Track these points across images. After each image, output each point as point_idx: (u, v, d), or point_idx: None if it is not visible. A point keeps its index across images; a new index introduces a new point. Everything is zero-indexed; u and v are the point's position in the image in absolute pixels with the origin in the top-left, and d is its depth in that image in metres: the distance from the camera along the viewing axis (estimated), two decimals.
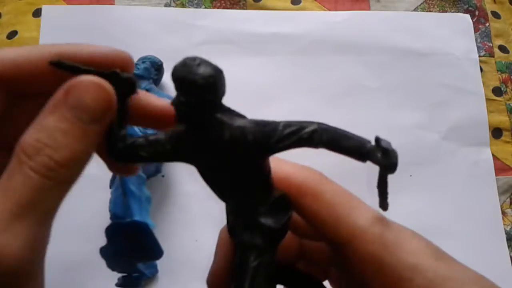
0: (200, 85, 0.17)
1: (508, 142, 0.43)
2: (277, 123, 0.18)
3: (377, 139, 0.18)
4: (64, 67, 0.17)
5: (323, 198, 0.19)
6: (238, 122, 0.18)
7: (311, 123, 0.18)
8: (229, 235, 0.20)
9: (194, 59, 0.17)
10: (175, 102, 0.17)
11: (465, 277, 0.17)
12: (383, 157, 0.18)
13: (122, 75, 0.18)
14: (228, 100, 0.39)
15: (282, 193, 0.19)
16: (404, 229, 0.18)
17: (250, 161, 0.18)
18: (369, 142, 0.18)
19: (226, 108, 0.18)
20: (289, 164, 0.20)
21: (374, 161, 0.18)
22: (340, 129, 0.18)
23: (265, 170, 0.19)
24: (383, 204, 0.19)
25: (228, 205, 0.20)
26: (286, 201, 0.19)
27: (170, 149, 0.19)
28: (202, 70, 0.17)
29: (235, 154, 0.18)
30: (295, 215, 0.19)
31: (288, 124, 0.18)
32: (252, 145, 0.18)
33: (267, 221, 0.19)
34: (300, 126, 0.18)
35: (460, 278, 0.16)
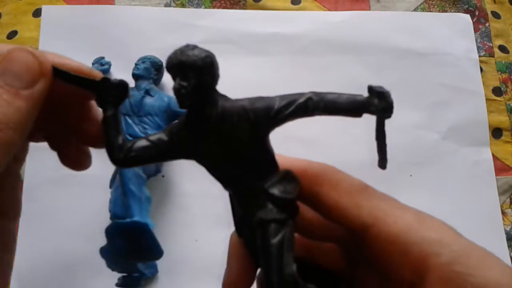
0: (199, 66, 0.18)
1: (508, 142, 0.43)
2: (273, 97, 0.19)
3: (370, 87, 0.20)
4: (60, 74, 0.18)
5: (341, 186, 0.19)
6: (237, 102, 0.19)
7: (304, 93, 0.19)
8: (237, 233, 0.20)
9: (187, 45, 0.18)
10: (176, 89, 0.17)
11: (483, 249, 0.17)
12: (380, 101, 0.19)
13: (114, 81, 0.18)
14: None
15: (287, 170, 0.19)
16: (420, 211, 0.19)
17: (254, 138, 0.18)
18: (361, 95, 0.19)
19: (221, 93, 0.19)
20: (303, 160, 0.20)
21: (371, 109, 0.19)
22: (331, 92, 0.19)
23: (269, 147, 0.19)
24: (382, 162, 0.19)
25: (236, 192, 0.20)
26: (293, 176, 0.19)
27: (174, 143, 0.19)
28: (198, 52, 0.18)
29: (239, 133, 0.18)
30: (305, 214, 0.20)
31: (283, 96, 0.19)
32: (254, 121, 0.18)
33: (279, 192, 0.19)
34: (295, 96, 0.19)
35: (481, 249, 0.17)
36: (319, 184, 0.19)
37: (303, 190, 0.19)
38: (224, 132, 0.18)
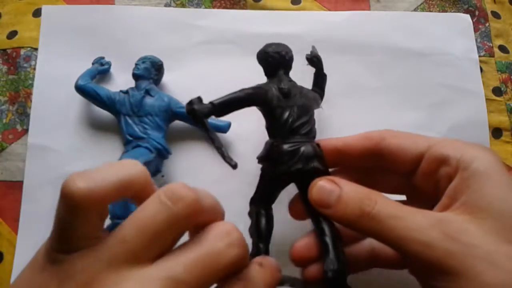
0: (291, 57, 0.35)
1: (508, 142, 0.43)
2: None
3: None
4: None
5: (400, 135, 0.28)
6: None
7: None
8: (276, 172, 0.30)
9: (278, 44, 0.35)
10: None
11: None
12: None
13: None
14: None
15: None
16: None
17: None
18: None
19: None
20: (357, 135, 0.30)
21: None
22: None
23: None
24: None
25: (283, 139, 0.30)
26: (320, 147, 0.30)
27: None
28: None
29: (306, 102, 0.32)
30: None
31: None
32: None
33: (317, 148, 0.30)
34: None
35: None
36: (383, 139, 0.28)
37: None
38: (299, 98, 0.32)
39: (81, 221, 0.19)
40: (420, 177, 0.27)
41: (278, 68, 0.33)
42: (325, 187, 0.25)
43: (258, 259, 0.23)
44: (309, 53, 0.38)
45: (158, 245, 0.19)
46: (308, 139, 0.31)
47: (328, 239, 0.26)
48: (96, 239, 0.19)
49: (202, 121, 0.29)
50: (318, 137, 0.40)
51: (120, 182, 0.19)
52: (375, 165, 0.29)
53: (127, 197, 0.21)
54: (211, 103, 0.29)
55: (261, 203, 0.32)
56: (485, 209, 0.22)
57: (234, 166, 0.29)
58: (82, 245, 0.19)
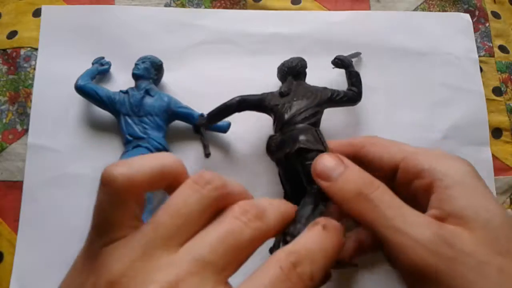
0: (302, 65, 0.39)
1: (508, 142, 0.43)
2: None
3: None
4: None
5: (379, 143, 0.28)
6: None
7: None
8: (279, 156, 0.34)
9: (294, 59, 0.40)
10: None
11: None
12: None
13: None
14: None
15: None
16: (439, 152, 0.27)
17: (322, 104, 0.37)
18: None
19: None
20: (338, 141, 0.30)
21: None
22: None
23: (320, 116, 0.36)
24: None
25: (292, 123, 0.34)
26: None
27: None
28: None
29: (306, 96, 0.36)
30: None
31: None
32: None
33: (314, 132, 0.33)
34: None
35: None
36: (364, 146, 0.28)
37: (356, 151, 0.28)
38: (309, 93, 0.37)
39: (121, 208, 0.19)
40: (397, 187, 0.26)
41: (287, 75, 0.39)
42: (331, 161, 0.25)
43: (321, 220, 0.21)
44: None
45: (190, 228, 0.19)
46: (304, 126, 0.33)
47: (308, 210, 0.27)
48: (133, 228, 0.19)
49: (198, 130, 0.38)
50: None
51: (158, 169, 0.20)
52: None
53: (163, 186, 0.21)
54: (203, 115, 0.38)
55: (290, 198, 0.34)
56: (472, 220, 0.21)
57: (207, 155, 0.38)
58: (120, 235, 0.19)
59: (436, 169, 0.24)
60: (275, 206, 0.21)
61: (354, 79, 0.39)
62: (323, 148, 0.31)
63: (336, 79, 0.43)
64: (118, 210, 0.19)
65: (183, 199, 0.19)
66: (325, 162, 0.25)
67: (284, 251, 0.19)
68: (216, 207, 0.20)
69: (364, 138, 0.29)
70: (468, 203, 0.22)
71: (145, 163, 0.20)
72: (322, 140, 0.32)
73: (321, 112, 0.36)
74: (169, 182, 0.21)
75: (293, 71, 0.39)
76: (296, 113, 0.34)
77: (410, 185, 0.25)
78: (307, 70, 0.39)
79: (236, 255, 0.19)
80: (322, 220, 0.21)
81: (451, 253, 0.20)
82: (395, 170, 0.26)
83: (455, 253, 0.20)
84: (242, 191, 0.22)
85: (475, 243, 0.20)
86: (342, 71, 0.41)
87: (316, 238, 0.20)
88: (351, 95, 0.39)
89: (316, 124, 0.35)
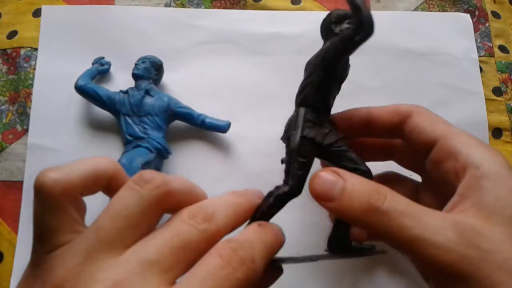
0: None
1: (508, 142, 0.43)
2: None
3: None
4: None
5: (425, 115, 0.28)
6: None
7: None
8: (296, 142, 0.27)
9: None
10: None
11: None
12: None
13: None
14: (228, 99, 0.40)
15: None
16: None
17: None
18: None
19: None
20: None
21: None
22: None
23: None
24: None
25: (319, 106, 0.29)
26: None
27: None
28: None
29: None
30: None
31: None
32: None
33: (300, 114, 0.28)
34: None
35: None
36: (410, 115, 0.28)
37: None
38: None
39: (57, 213, 0.19)
40: (429, 164, 0.26)
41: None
42: (327, 178, 0.23)
43: (257, 221, 0.22)
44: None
45: (133, 231, 0.19)
46: (297, 106, 0.29)
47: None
48: (75, 233, 0.19)
49: None
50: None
51: (89, 172, 0.20)
52: (398, 145, 0.30)
53: (100, 188, 0.21)
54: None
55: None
56: (499, 214, 0.21)
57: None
58: (62, 241, 0.19)
59: (474, 156, 0.23)
60: (225, 204, 0.21)
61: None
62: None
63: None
64: (54, 216, 0.19)
65: (123, 201, 0.19)
66: (321, 180, 0.23)
67: (222, 242, 0.19)
68: (159, 206, 0.20)
69: (411, 106, 0.28)
70: (497, 198, 0.21)
71: (77, 167, 0.20)
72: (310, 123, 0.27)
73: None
74: (106, 185, 0.21)
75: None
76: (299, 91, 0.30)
77: (441, 165, 0.25)
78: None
79: (184, 256, 0.18)
80: (257, 221, 0.22)
81: (477, 254, 0.20)
82: (432, 146, 0.26)
83: (481, 253, 0.20)
84: (188, 188, 0.21)
85: (498, 239, 0.20)
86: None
87: (253, 231, 0.21)
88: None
89: (301, 100, 0.29)
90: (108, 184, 0.22)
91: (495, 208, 0.21)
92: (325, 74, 0.28)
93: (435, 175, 0.26)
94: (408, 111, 0.28)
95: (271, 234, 0.21)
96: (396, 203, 0.21)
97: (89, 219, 0.21)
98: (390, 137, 0.29)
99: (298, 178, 0.25)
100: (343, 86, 0.43)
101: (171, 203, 0.20)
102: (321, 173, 0.23)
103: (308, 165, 0.25)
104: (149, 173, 0.20)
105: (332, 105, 0.30)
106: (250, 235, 0.20)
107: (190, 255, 0.19)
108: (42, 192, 0.19)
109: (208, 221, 0.19)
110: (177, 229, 0.19)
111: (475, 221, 0.21)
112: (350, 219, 0.22)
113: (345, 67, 0.31)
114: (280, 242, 0.22)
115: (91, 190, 0.21)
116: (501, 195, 0.21)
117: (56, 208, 0.19)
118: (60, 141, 0.40)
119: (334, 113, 0.29)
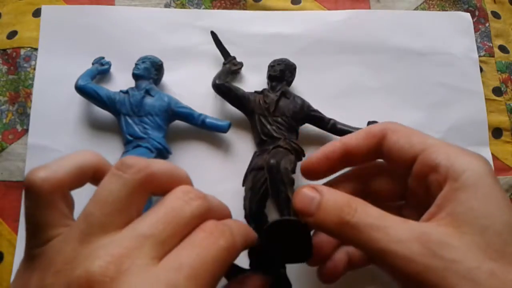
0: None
1: (508, 142, 0.43)
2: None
3: (368, 123, 0.37)
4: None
5: (400, 131, 0.27)
6: (298, 96, 0.39)
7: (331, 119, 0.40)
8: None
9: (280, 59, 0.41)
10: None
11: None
12: None
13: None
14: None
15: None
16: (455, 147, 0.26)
17: (301, 117, 0.39)
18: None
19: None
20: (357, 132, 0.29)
21: None
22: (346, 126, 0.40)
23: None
24: None
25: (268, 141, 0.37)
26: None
27: (249, 99, 0.39)
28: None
29: (293, 109, 0.38)
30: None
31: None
32: (301, 106, 0.39)
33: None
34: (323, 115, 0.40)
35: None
36: (385, 134, 0.27)
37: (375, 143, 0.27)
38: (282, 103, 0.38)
39: (46, 208, 0.20)
40: (412, 180, 0.26)
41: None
42: (307, 194, 0.24)
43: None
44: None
45: (122, 214, 0.20)
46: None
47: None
48: (66, 227, 0.20)
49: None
50: (320, 138, 0.40)
51: (76, 167, 0.21)
52: (376, 169, 0.29)
53: (86, 181, 0.23)
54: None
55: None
56: (470, 224, 0.21)
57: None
58: (54, 234, 0.20)
59: (453, 166, 0.23)
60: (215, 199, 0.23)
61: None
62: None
63: (336, 78, 0.43)
64: (45, 212, 0.20)
65: (108, 188, 0.20)
66: (302, 197, 0.24)
67: (206, 222, 0.21)
68: (144, 189, 0.21)
69: (384, 125, 0.28)
70: (471, 208, 0.22)
71: (63, 163, 0.21)
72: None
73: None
74: (92, 176, 0.22)
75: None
76: None
77: (424, 179, 0.25)
78: (307, 70, 0.39)
79: (178, 230, 0.20)
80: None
81: (441, 264, 0.20)
82: (412, 162, 0.26)
83: (445, 264, 0.20)
84: (170, 169, 0.22)
85: (465, 249, 0.20)
86: (341, 70, 0.41)
87: (232, 220, 0.23)
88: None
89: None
90: (93, 175, 0.23)
91: (467, 217, 0.21)
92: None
93: (418, 191, 0.26)
94: (381, 130, 0.27)
95: (245, 225, 0.24)
96: (365, 216, 0.22)
97: (77, 211, 0.22)
98: (371, 160, 0.29)
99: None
100: (344, 86, 0.43)
101: (155, 185, 0.21)
102: (301, 190, 0.25)
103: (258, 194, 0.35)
104: (130, 159, 0.21)
105: (269, 130, 0.37)
106: (228, 221, 0.22)
107: (183, 230, 0.20)
108: (32, 191, 0.20)
109: (201, 199, 0.21)
110: (171, 205, 0.20)
111: (444, 230, 0.21)
112: (326, 232, 0.24)
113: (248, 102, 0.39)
114: (253, 235, 0.24)
115: (78, 184, 0.22)
116: (475, 205, 0.22)
117: (47, 204, 0.20)
118: (60, 141, 0.40)
119: (311, 156, 0.29)
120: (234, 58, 0.42)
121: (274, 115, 0.38)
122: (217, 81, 0.39)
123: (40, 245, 0.20)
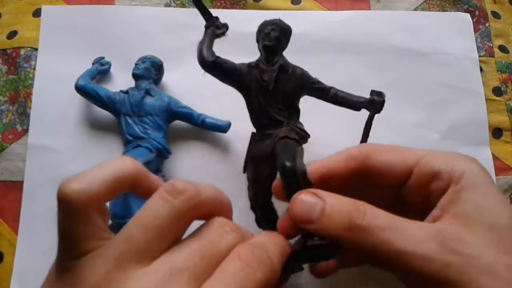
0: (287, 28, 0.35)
1: (508, 142, 0.43)
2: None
3: (371, 92, 0.33)
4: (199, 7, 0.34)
5: (385, 151, 0.27)
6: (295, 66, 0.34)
7: (331, 86, 0.35)
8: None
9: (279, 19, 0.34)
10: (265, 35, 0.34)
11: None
12: (371, 105, 0.32)
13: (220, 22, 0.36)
14: (228, 99, 0.40)
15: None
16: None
17: (298, 91, 0.33)
18: (364, 98, 0.33)
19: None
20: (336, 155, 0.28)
21: (366, 108, 0.32)
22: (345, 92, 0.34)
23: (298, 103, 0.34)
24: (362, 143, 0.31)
25: (264, 121, 0.33)
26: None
27: (242, 72, 0.34)
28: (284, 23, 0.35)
29: (290, 83, 0.33)
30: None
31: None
32: (301, 77, 0.34)
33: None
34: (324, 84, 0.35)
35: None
36: (370, 154, 0.26)
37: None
38: (285, 79, 0.33)
39: (81, 222, 0.19)
40: (409, 191, 0.26)
41: None
42: (306, 200, 0.23)
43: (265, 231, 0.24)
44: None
45: (163, 241, 0.19)
46: None
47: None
48: (101, 240, 0.19)
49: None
50: (319, 141, 0.40)
51: (110, 178, 0.20)
52: (362, 181, 0.28)
53: (123, 191, 0.21)
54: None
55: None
56: (477, 221, 0.21)
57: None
58: (89, 248, 0.19)
59: (454, 170, 0.23)
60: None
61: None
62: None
63: (337, 78, 0.43)
64: (80, 225, 0.19)
65: (155, 212, 0.19)
66: (300, 203, 0.23)
67: (238, 246, 0.20)
68: (190, 217, 0.20)
69: (362, 147, 0.27)
70: (475, 206, 0.22)
71: (98, 174, 0.20)
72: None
73: None
74: (129, 187, 0.21)
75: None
76: None
77: (424, 189, 0.25)
78: (307, 70, 0.39)
79: (212, 264, 0.19)
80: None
81: (460, 260, 0.20)
82: (408, 175, 0.25)
83: (464, 259, 0.20)
84: (216, 196, 0.21)
85: (481, 245, 0.20)
86: (341, 70, 0.41)
87: (263, 236, 0.22)
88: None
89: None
90: (131, 186, 0.21)
91: (473, 215, 0.21)
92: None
93: (416, 201, 0.26)
94: (362, 152, 0.27)
95: (280, 237, 0.23)
96: (376, 218, 0.22)
97: None
98: (351, 182, 0.28)
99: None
100: (344, 86, 0.43)
101: (202, 212, 0.20)
102: (300, 196, 0.23)
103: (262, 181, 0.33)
104: (181, 183, 0.20)
105: (271, 114, 0.33)
106: (261, 239, 0.21)
107: (218, 264, 0.19)
108: (65, 204, 0.19)
109: (236, 231, 0.20)
110: (206, 237, 0.20)
111: (456, 228, 0.21)
112: (332, 238, 0.23)
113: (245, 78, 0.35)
114: (288, 248, 0.22)
115: (114, 195, 0.21)
116: (479, 204, 0.22)
117: (81, 218, 0.19)
118: (60, 141, 0.40)
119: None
120: (217, 18, 0.36)
121: (275, 94, 0.33)
122: (207, 58, 0.34)
123: (74, 258, 0.19)
